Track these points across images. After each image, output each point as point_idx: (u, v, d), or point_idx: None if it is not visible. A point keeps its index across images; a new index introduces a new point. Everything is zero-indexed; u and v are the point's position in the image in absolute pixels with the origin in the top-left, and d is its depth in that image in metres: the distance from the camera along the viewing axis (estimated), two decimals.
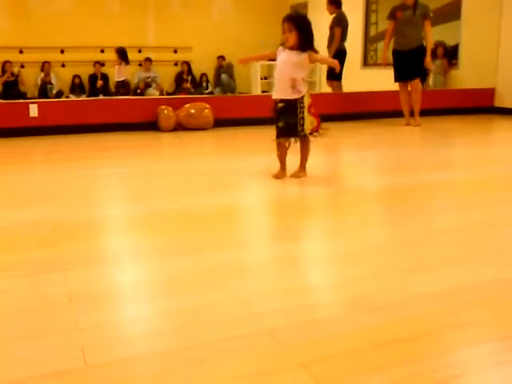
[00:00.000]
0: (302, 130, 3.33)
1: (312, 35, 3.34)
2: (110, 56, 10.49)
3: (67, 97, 9.75)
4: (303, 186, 3.41)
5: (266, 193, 3.21)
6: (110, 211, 2.90)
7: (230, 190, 3.26)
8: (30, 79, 10.09)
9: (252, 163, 4.14)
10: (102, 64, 10.38)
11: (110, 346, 1.43)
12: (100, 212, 2.86)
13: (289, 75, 3.29)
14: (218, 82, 10.91)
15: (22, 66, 10.15)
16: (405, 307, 1.63)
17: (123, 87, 8.61)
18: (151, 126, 6.10)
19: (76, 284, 1.84)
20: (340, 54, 7.09)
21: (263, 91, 10.65)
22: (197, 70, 11.08)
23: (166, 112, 5.99)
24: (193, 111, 6.09)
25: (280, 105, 3.34)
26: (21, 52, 10.17)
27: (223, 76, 10.73)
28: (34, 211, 2.80)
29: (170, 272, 1.94)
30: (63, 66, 10.18)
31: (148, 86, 10.01)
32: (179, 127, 6.05)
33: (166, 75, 10.96)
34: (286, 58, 3.33)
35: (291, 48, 3.30)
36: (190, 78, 10.87)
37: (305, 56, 3.29)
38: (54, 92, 9.84)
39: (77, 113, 6.03)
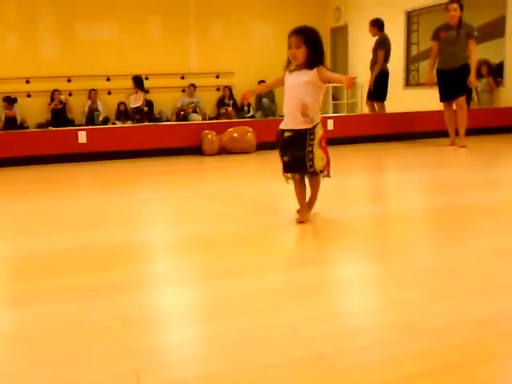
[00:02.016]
0: (312, 165, 2.82)
1: (322, 49, 2.86)
2: (154, 83, 10.80)
3: (113, 123, 10.02)
4: (347, 207, 3.39)
5: (311, 215, 3.20)
6: (157, 235, 2.95)
7: (273, 214, 3.26)
8: (78, 106, 10.44)
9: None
10: (146, 91, 10.65)
11: (163, 370, 1.44)
12: (147, 236, 2.91)
13: (299, 100, 2.79)
14: (259, 106, 11.02)
15: (70, 94, 10.51)
16: (457, 332, 1.59)
17: (138, 113, 9.00)
18: (195, 150, 6.19)
19: (127, 307, 1.87)
20: (383, 76, 7.09)
21: None
22: (238, 95, 11.21)
23: (209, 136, 6.08)
24: (236, 135, 6.16)
25: (287, 134, 2.84)
26: (69, 81, 10.54)
27: (264, 100, 10.84)
28: (84, 235, 2.88)
29: (217, 295, 1.95)
30: (109, 93, 10.50)
31: (193, 111, 10.21)
32: (223, 151, 6.12)
33: (208, 100, 11.15)
34: (293, 80, 2.84)
35: (299, 68, 2.84)
36: (231, 102, 11.02)
37: (314, 73, 2.77)
38: (101, 119, 10.13)
39: (123, 139, 6.19)
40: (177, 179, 4.82)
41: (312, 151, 2.79)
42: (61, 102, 10.21)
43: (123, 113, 10.54)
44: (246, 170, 5.39)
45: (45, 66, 10.46)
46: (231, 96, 11.13)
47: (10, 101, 9.90)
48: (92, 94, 10.36)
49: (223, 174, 5.31)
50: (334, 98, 11.19)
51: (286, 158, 2.86)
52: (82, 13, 10.58)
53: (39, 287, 2.09)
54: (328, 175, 2.94)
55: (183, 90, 10.96)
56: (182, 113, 10.29)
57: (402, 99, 8.95)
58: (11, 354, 1.57)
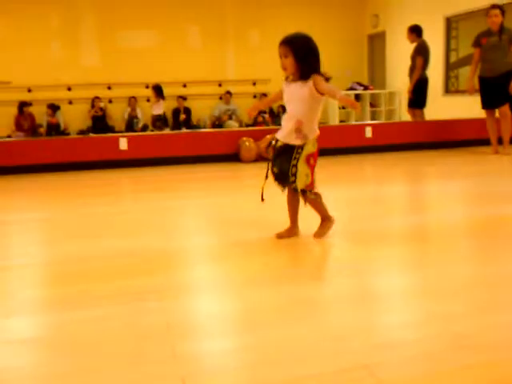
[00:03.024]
0: (294, 180, 2.68)
1: (316, 58, 2.65)
2: (192, 90, 10.94)
3: (152, 130, 10.18)
4: (385, 217, 3.36)
5: (350, 224, 3.19)
6: (196, 241, 2.98)
7: (311, 222, 3.26)
8: (118, 113, 10.66)
9: (335, 194, 4.13)
10: (184, 98, 10.80)
11: (207, 377, 1.46)
12: (187, 242, 2.95)
13: (295, 115, 2.64)
14: None
15: (110, 101, 10.74)
16: (507, 347, 1.56)
17: (159, 120, 9.23)
18: (233, 157, 6.24)
19: (171, 313, 1.90)
20: (422, 83, 7.01)
21: (341, 121, 10.66)
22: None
23: (247, 143, 6.13)
24: (274, 142, 6.18)
25: (279, 144, 2.72)
26: (109, 88, 10.77)
27: None
28: (127, 241, 2.93)
29: (259, 303, 1.97)
30: (148, 100, 10.66)
31: (229, 118, 10.29)
32: (260, 158, 6.15)
33: (244, 107, 11.21)
34: (290, 93, 2.69)
35: (294, 79, 2.66)
36: (267, 109, 11.05)
37: (310, 85, 2.59)
38: (140, 126, 10.31)
39: (163, 145, 6.28)
40: (215, 186, 4.86)
41: (296, 165, 2.65)
42: (101, 108, 10.44)
43: (163, 121, 10.70)
44: None
45: (86, 73, 10.72)
46: None
47: (54, 108, 10.17)
48: (131, 101, 10.56)
49: (261, 181, 5.32)
50: (372, 105, 11.12)
51: (275, 169, 2.75)
52: (123, 22, 10.81)
53: (85, 291, 2.14)
54: (311, 194, 2.75)
55: (220, 98, 11.06)
56: (217, 122, 10.39)
57: (441, 106, 8.83)
58: (58, 357, 1.61)
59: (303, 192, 2.73)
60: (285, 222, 2.94)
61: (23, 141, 7.31)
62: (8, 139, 8.43)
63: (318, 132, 2.71)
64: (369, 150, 6.74)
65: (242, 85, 11.44)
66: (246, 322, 1.83)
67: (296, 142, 2.65)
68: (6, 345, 1.70)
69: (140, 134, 8.09)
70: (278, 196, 2.96)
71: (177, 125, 10.43)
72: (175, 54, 10.96)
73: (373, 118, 10.71)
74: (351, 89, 10.95)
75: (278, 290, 2.10)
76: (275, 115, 11.06)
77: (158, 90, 9.16)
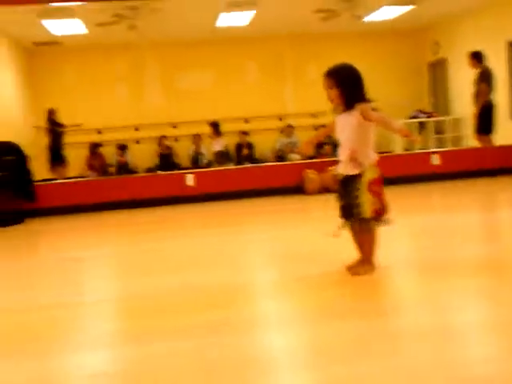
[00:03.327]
0: (359, 212, 2.62)
1: (360, 87, 2.68)
2: (254, 125, 11.14)
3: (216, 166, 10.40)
4: (458, 246, 3.27)
5: (421, 254, 3.12)
6: (264, 275, 3.01)
7: (379, 256, 3.21)
8: (183, 151, 10.96)
9: (406, 223, 4.07)
10: (246, 133, 10.99)
11: None
12: (252, 276, 2.98)
13: (347, 146, 2.66)
14: None
15: (176, 140, 11.07)
16: None
17: (222, 156, 9.62)
18: (296, 189, 6.27)
19: (245, 348, 1.92)
20: (487, 108, 6.86)
21: (405, 149, 10.52)
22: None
23: (310, 176, 6.15)
24: (337, 175, 6.18)
25: (340, 177, 2.72)
26: (174, 127, 11.12)
27: None
28: (195, 276, 2.99)
29: (329, 339, 1.95)
30: (211, 137, 10.92)
31: (291, 151, 10.39)
32: (324, 190, 6.15)
33: (305, 139, 11.26)
34: (340, 124, 2.71)
35: (342, 110, 2.69)
36: (329, 140, 11.07)
37: (356, 114, 2.62)
38: (205, 162, 10.56)
39: (228, 180, 6.41)
40: (280, 219, 4.89)
41: (358, 196, 2.61)
42: (167, 147, 10.78)
43: (225, 156, 10.93)
44: None
45: (152, 114, 11.14)
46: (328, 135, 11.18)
47: (123, 148, 10.61)
48: (196, 138, 10.84)
49: (325, 213, 5.31)
50: (437, 132, 10.91)
51: (341, 202, 2.71)
52: (184, 63, 11.22)
53: (157, 326, 2.20)
54: (382, 222, 2.67)
55: (281, 131, 11.18)
56: (280, 155, 10.48)
57: (508, 131, 8.56)
58: None
59: (365, 220, 2.64)
60: (352, 258, 2.92)
61: (95, 180, 7.65)
62: (81, 179, 8.84)
63: (375, 157, 2.68)
64: (436, 177, 6.60)
65: (302, 117, 11.53)
66: (316, 357, 1.81)
67: (353, 171, 2.63)
68: (78, 379, 1.75)
69: (205, 169, 8.29)
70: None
71: (240, 159, 10.60)
72: (235, 90, 11.23)
73: (438, 146, 10.50)
74: (414, 117, 10.80)
75: (349, 324, 2.08)
76: (336, 146, 11.04)
77: (215, 127, 9.54)
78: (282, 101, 11.56)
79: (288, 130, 11.01)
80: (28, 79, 10.92)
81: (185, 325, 2.18)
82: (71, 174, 9.52)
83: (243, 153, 10.76)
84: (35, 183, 6.35)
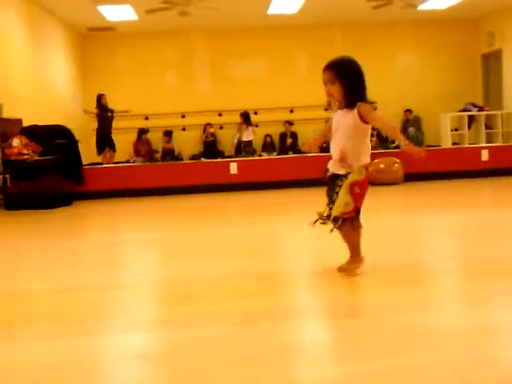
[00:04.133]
0: (330, 208, 2.56)
1: (362, 84, 2.52)
2: (299, 115, 11.08)
3: (260, 155, 10.41)
4: (504, 244, 3.18)
5: (464, 251, 3.05)
6: (303, 265, 3.00)
7: (424, 249, 3.17)
8: (228, 139, 11.03)
9: (450, 219, 3.99)
10: (291, 123, 10.96)
11: None
12: (295, 265, 2.98)
13: (339, 145, 2.53)
14: (404, 135, 10.76)
15: (221, 128, 11.14)
16: None
17: (249, 146, 9.73)
18: None
19: (284, 335, 1.93)
20: None
21: (454, 143, 10.26)
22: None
23: None
24: (382, 166, 6.10)
25: (328, 174, 2.63)
26: (220, 115, 11.19)
27: (410, 129, 10.59)
28: (238, 262, 3.01)
29: (367, 332, 1.94)
30: (256, 126, 10.94)
31: None
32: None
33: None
34: (336, 122, 2.57)
35: (341, 106, 2.54)
36: (375, 132, 10.90)
37: (355, 114, 2.45)
38: (249, 150, 10.59)
39: (271, 169, 6.42)
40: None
41: (337, 193, 2.51)
42: (212, 134, 10.87)
43: (269, 144, 10.93)
44: (393, 203, 5.29)
45: (199, 101, 11.24)
46: None
47: (169, 134, 10.75)
48: (240, 126, 10.88)
49: (369, 205, 5.25)
50: (487, 127, 10.59)
51: (328, 200, 2.61)
52: (233, 51, 11.25)
53: (197, 311, 2.23)
54: (341, 223, 2.52)
55: (326, 122, 11.09)
56: (324, 146, 10.39)
57: None
58: (169, 374, 1.68)
59: (335, 219, 2.53)
60: (395, 251, 2.88)
61: (141, 166, 7.79)
62: (127, 164, 9.03)
63: (366, 161, 2.54)
64: (485, 173, 6.42)
65: None
66: (358, 349, 1.81)
67: (340, 170, 2.53)
68: (122, 360, 1.80)
69: (249, 158, 8.31)
70: (388, 222, 2.90)
71: (284, 149, 10.58)
72: (282, 80, 11.18)
73: (488, 141, 10.19)
74: (465, 110, 10.51)
75: (387, 319, 2.05)
76: (383, 139, 10.88)
77: (246, 117, 9.70)
78: None
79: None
80: (80, 64, 11.19)
81: (225, 310, 2.21)
82: (118, 159, 9.73)
83: (287, 142, 10.73)
84: (84, 167, 6.52)
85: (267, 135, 10.88)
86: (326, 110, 2.59)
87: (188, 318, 2.14)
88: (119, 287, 2.69)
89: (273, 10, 9.79)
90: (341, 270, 2.64)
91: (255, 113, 10.83)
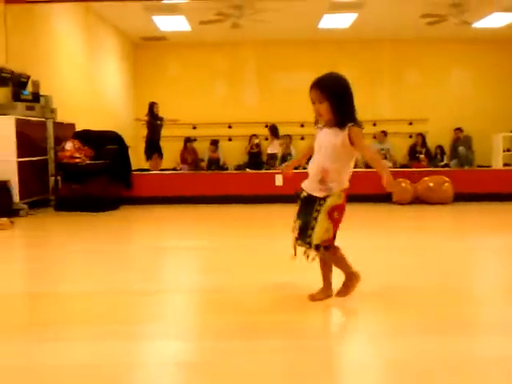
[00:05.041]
0: (311, 234, 2.37)
1: (351, 102, 2.36)
2: None
3: (304, 168, 10.37)
4: None
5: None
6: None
7: (476, 271, 3.07)
8: None
9: (496, 244, 3.86)
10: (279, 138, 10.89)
11: None
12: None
13: (320, 165, 2.37)
14: (454, 154, 10.56)
15: (267, 139, 11.18)
16: None
17: (272, 159, 9.86)
18: (385, 198, 6.12)
19: (329, 353, 1.89)
20: None
21: (505, 164, 9.99)
22: (432, 142, 10.91)
23: (403, 185, 5.98)
24: (432, 185, 5.97)
25: (303, 194, 2.44)
26: (266, 126, 11.23)
27: (460, 148, 10.36)
28: (282, 276, 2.97)
29: (408, 353, 1.88)
30: (302, 138, 10.92)
31: (384, 157, 10.16)
32: (416, 200, 5.97)
33: (398, 147, 11.00)
34: (321, 140, 2.40)
35: (328, 125, 2.39)
36: (424, 150, 10.73)
37: (344, 136, 2.31)
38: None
39: None
40: (369, 227, 4.80)
41: (316, 218, 2.35)
42: (257, 145, 10.91)
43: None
44: (442, 222, 5.17)
45: (246, 112, 11.33)
46: (424, 143, 10.84)
47: (216, 144, 10.87)
48: (286, 139, 10.88)
49: (417, 224, 5.15)
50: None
51: (298, 222, 2.44)
52: (282, 63, 11.31)
53: (241, 322, 2.21)
54: (324, 250, 2.38)
55: (374, 137, 10.98)
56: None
57: None
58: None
59: (317, 247, 2.38)
60: (445, 270, 2.80)
61: (187, 173, 7.88)
62: (174, 171, 9.15)
63: (346, 184, 2.39)
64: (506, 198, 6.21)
65: (398, 124, 11.26)
66: (402, 373, 1.76)
67: (319, 193, 2.36)
68: (161, 366, 1.80)
69: (295, 171, 8.29)
70: (438, 243, 2.78)
71: None
72: None
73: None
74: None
75: (428, 341, 1.99)
76: (431, 156, 10.68)
77: (273, 130, 9.95)
78: (377, 105, 11.34)
79: (381, 135, 10.80)
80: (132, 72, 11.46)
81: (269, 323, 2.19)
82: (165, 166, 9.88)
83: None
84: (132, 172, 6.64)
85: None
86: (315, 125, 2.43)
87: (230, 329, 2.14)
88: (161, 293, 2.72)
89: (324, 24, 9.79)
90: (340, 294, 2.49)
91: (301, 125, 10.81)
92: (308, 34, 10.55)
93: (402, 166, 10.19)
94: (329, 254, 2.42)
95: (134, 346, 1.98)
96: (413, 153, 10.78)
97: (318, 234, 2.35)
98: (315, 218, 2.35)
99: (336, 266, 2.52)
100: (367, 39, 10.95)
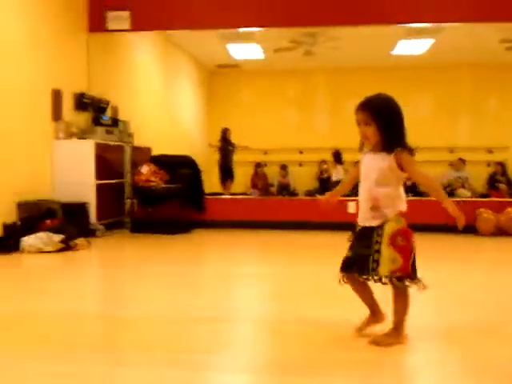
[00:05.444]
0: (376, 267, 2.16)
1: (401, 125, 2.24)
2: (420, 157, 10.69)
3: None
4: None
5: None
6: (436, 320, 2.79)
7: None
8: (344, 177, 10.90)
9: None
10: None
11: None
12: (430, 320, 2.77)
13: (370, 193, 2.23)
14: None
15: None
16: None
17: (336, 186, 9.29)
18: (466, 229, 5.84)
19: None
20: None
21: None
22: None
23: (485, 215, 5.70)
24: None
25: (358, 228, 2.30)
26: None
27: None
28: (358, 310, 2.86)
29: None
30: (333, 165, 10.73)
31: (462, 186, 9.79)
32: (499, 232, 5.66)
33: (476, 175, 10.55)
34: (367, 166, 2.28)
35: (374, 149, 2.25)
36: (504, 179, 10.22)
37: (391, 160, 2.17)
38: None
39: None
40: (451, 258, 4.58)
41: (379, 250, 2.16)
42: (326, 171, 10.80)
43: None
44: None
45: (316, 138, 11.28)
46: (504, 172, 10.34)
47: (285, 169, 10.86)
48: (356, 165, 10.73)
49: (500, 256, 4.87)
50: None
51: (349, 253, 2.29)
52: (354, 90, 11.11)
53: (306, 357, 2.11)
54: (405, 279, 2.16)
55: (450, 164, 10.60)
56: (448, 190, 9.91)
57: None
58: None
59: (390, 279, 2.16)
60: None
61: (259, 199, 7.87)
62: (244, 196, 9.19)
63: (402, 208, 2.22)
64: None
65: (475, 152, 10.84)
66: None
67: (373, 222, 2.21)
68: None
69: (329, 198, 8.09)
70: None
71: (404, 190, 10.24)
72: (405, 119, 10.92)
73: None
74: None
75: None
76: None
77: (336, 157, 9.81)
78: (454, 132, 10.99)
79: (458, 163, 10.39)
80: (207, 99, 11.73)
81: (344, 361, 2.08)
82: (236, 191, 9.96)
83: (407, 184, 10.38)
84: (205, 196, 6.72)
85: None
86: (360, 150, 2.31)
87: (304, 364, 2.03)
88: (232, 321, 2.67)
89: (398, 50, 9.63)
90: (375, 342, 2.24)
91: None
92: (381, 60, 10.43)
93: (481, 196, 9.76)
94: (401, 287, 2.18)
95: (200, 377, 1.91)
96: (492, 182, 10.30)
97: (385, 265, 2.15)
98: (377, 251, 2.17)
99: (398, 304, 2.25)
100: (444, 65, 10.69)
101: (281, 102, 11.69)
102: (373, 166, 2.23)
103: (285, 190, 10.54)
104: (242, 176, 10.75)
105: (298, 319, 2.65)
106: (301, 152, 11.37)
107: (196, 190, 6.50)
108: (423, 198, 7.05)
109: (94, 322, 2.65)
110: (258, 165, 10.92)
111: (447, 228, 5.92)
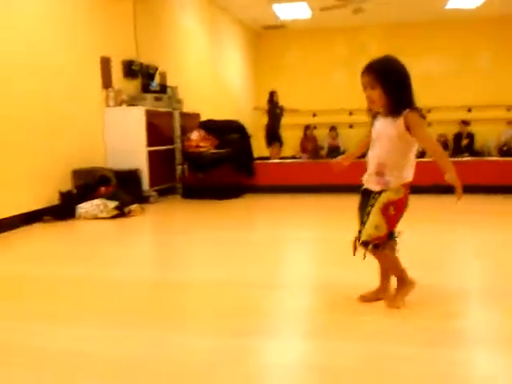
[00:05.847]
0: (360, 232, 2.22)
1: (408, 88, 2.15)
2: (477, 115, 10.31)
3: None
4: None
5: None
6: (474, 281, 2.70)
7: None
8: None
9: None
10: (467, 123, 10.23)
11: None
12: (465, 280, 2.69)
13: (376, 157, 2.19)
14: None
15: None
16: None
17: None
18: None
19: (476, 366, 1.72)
20: None
21: None
22: None
23: None
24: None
25: (362, 188, 2.29)
26: None
27: None
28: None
29: None
30: (429, 125, 10.38)
31: None
32: None
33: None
34: (378, 131, 2.22)
35: (383, 113, 2.19)
36: None
37: (400, 124, 2.11)
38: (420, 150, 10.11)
39: (432, 173, 5.99)
40: (488, 221, 4.43)
41: (368, 214, 2.17)
42: None
43: (442, 144, 10.30)
44: None
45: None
46: None
47: (335, 130, 10.70)
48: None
49: None
50: None
51: (359, 218, 2.27)
52: (407, 47, 10.78)
53: (369, 322, 2.10)
54: (374, 247, 2.17)
55: (509, 123, 10.16)
56: (505, 149, 9.53)
57: None
58: None
59: (365, 244, 2.18)
60: None
61: (307, 162, 7.79)
62: (294, 160, 9.11)
63: (407, 179, 2.17)
64: None
65: None
66: None
67: (376, 187, 2.18)
68: (298, 370, 1.72)
69: (419, 160, 7.88)
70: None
71: (459, 150, 9.92)
72: (460, 77, 10.50)
73: None
74: None
75: None
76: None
77: None
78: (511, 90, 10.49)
79: None
80: (253, 61, 11.59)
81: (407, 327, 2.04)
82: (285, 154, 9.88)
83: (462, 143, 10.05)
84: (255, 161, 6.69)
85: (440, 135, 10.29)
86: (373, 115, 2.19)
87: (360, 330, 2.01)
88: (274, 287, 2.65)
89: (452, 4, 9.19)
90: (390, 305, 2.25)
91: (428, 111, 10.28)
92: (434, 15, 9.99)
93: None
94: (378, 253, 2.21)
95: (252, 343, 1.92)
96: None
97: (368, 230, 2.17)
98: (368, 213, 2.18)
99: (385, 267, 2.32)
100: (500, 17, 10.15)
101: (329, 62, 11.43)
102: (382, 132, 2.18)
103: (335, 152, 10.39)
104: (291, 139, 10.65)
105: (351, 284, 2.61)
106: (350, 113, 11.14)
107: (245, 155, 6.48)
108: (482, 159, 6.81)
109: (149, 288, 2.71)
110: (308, 127, 10.78)
111: (498, 189, 5.71)
